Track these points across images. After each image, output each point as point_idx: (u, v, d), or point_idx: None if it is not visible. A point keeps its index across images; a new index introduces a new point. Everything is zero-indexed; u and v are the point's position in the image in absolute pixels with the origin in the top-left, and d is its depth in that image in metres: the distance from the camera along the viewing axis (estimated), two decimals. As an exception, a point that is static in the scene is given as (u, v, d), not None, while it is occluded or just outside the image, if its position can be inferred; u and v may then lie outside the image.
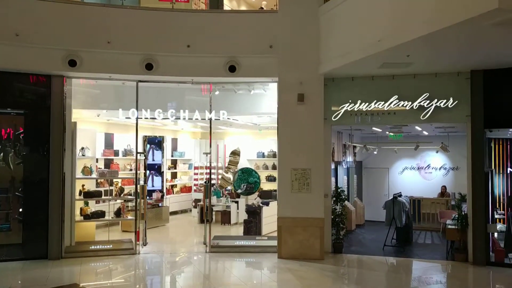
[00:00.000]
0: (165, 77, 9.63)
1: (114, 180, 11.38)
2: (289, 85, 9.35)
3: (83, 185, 10.55)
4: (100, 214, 10.09)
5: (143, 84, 9.78)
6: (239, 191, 11.28)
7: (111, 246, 9.66)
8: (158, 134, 15.06)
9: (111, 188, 11.23)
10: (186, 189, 16.41)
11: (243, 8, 15.59)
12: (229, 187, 12.54)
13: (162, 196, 14.02)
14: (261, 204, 11.07)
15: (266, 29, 9.50)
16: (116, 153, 13.53)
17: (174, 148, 16.24)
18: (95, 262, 9.08)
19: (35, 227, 9.34)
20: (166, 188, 15.09)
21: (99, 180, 11.64)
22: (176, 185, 16.12)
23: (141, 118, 9.83)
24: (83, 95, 10.05)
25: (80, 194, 10.18)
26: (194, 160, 16.75)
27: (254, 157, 15.89)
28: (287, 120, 9.44)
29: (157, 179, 14.67)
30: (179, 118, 10.38)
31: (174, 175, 16.16)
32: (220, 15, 10.21)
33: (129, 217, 10.44)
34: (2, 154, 10.05)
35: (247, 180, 10.82)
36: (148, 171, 13.49)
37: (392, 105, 9.29)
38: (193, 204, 15.40)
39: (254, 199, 11.72)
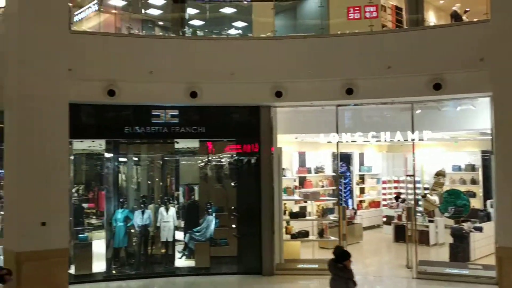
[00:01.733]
0: (364, 100, 9.66)
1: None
2: (507, 99, 8.39)
3: (284, 204, 11.26)
4: (304, 234, 10.63)
5: (342, 107, 9.98)
6: (446, 214, 10.59)
7: (317, 265, 10.04)
8: (346, 150, 15.17)
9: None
10: (374, 204, 16.16)
11: (430, 13, 14.67)
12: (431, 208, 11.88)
13: (355, 213, 14.05)
14: (473, 230, 10.18)
15: (476, 41, 8.74)
16: (308, 171, 14.09)
17: (361, 163, 16.16)
18: (305, 280, 9.54)
19: (249, 244, 10.32)
20: (356, 204, 15.11)
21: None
22: (364, 200, 16.01)
23: (341, 142, 10.01)
24: (286, 122, 10.72)
25: (284, 214, 10.88)
26: (382, 174, 16.41)
27: (449, 171, 14.76)
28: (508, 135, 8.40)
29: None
30: (380, 140, 10.26)
31: (362, 190, 16.08)
32: (422, 32, 9.77)
33: (332, 238, 10.73)
34: (219, 178, 11.43)
35: (454, 202, 10.09)
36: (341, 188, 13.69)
37: None
38: (384, 220, 15.06)
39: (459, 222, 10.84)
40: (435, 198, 11.05)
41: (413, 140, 9.63)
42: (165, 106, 10.01)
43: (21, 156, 8.39)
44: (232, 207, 10.84)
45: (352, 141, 10.05)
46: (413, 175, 10.09)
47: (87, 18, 13.51)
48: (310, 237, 10.89)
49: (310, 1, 15.07)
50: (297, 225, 11.43)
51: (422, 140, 9.71)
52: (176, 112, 10.06)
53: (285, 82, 9.69)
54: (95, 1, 13.32)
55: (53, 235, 8.58)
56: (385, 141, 10.08)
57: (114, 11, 12.91)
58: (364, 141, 10.02)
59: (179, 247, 11.06)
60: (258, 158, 10.23)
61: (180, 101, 9.71)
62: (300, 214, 10.92)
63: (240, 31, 13.76)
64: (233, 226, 10.79)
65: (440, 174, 11.07)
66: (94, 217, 13.25)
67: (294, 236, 10.55)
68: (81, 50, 9.08)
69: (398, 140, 9.90)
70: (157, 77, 9.39)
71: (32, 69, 8.45)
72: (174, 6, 10.45)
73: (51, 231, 8.55)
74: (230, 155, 10.97)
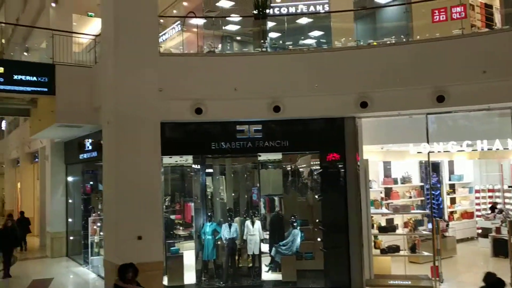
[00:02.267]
0: (457, 107, 9.10)
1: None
2: None
3: (371, 217, 10.88)
4: (395, 249, 10.18)
5: (432, 115, 9.49)
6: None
7: (409, 282, 9.59)
8: (434, 158, 14.38)
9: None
10: (467, 215, 15.10)
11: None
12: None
13: (447, 225, 13.23)
14: None
15: None
16: (395, 181, 13.54)
17: (451, 171, 15.22)
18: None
19: (336, 258, 10.10)
20: (448, 215, 14.24)
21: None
22: (455, 211, 15.03)
23: (433, 151, 9.51)
24: (371, 132, 10.40)
25: (372, 227, 10.51)
26: (474, 183, 15.33)
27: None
28: None
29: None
30: (476, 150, 9.59)
31: (453, 201, 15.12)
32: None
33: (425, 253, 10.18)
34: (302, 190, 11.35)
35: None
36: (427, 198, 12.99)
37: None
38: (479, 232, 14.03)
39: None
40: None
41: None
42: (249, 121, 10.16)
43: (119, 173, 8.97)
44: (317, 220, 10.70)
45: (444, 151, 9.47)
46: (515, 186, 9.28)
47: (171, 38, 14.20)
48: (402, 252, 10.40)
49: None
50: (385, 239, 11.01)
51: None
52: (259, 127, 10.17)
53: (370, 92, 9.41)
54: (178, 22, 13.96)
55: (148, 248, 9.05)
56: (482, 150, 9.37)
57: (195, 29, 13.47)
58: (458, 150, 9.39)
59: (265, 260, 11.11)
60: (343, 170, 10.02)
61: (263, 116, 9.81)
62: (390, 228, 10.48)
63: (318, 40, 13.67)
64: (319, 239, 10.64)
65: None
66: (181, 228, 13.79)
67: (384, 251, 10.15)
68: (169, 71, 9.55)
69: (497, 149, 9.16)
70: (241, 94, 9.59)
71: (126, 91, 9.04)
72: (254, 22, 10.60)
73: (146, 244, 9.03)
74: (313, 168, 10.86)
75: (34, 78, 9.92)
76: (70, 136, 13.66)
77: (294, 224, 10.63)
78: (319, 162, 10.60)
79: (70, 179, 15.15)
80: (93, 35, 12.13)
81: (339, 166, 10.07)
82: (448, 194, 14.85)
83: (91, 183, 14.69)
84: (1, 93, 9.76)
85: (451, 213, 14.86)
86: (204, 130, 10.21)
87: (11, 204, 25.05)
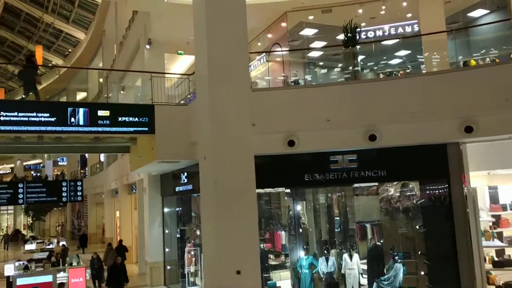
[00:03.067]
0: None
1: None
2: None
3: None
4: (513, 286, 9.20)
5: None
6: None
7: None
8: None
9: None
10: None
11: None
12: None
13: None
14: None
15: None
16: (503, 208, 12.35)
17: None
18: None
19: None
20: None
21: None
22: None
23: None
24: (477, 157, 9.65)
25: (485, 261, 9.62)
26: None
27: None
28: None
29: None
30: None
31: None
32: None
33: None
34: (402, 221, 10.75)
35: None
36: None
37: None
38: None
39: None
40: None
41: None
42: (343, 151, 9.91)
43: (217, 208, 9.13)
44: (419, 252, 10.05)
45: None
46: None
47: (256, 70, 14.52)
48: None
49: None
50: (499, 274, 10.01)
51: None
52: (354, 156, 9.88)
53: (475, 115, 8.76)
54: (263, 55, 14.25)
55: (247, 283, 9.05)
56: None
57: (279, 59, 13.64)
58: None
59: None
60: (448, 199, 9.35)
61: (358, 145, 9.52)
62: (507, 263, 9.51)
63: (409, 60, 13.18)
64: (422, 273, 9.97)
65: None
66: (272, 256, 13.68)
67: (500, 289, 9.21)
68: (261, 106, 9.66)
69: None
70: (334, 124, 9.42)
71: (221, 126, 9.28)
72: (344, 52, 10.43)
73: (245, 278, 9.04)
74: (413, 197, 10.27)
75: (136, 119, 10.56)
76: (167, 170, 14.31)
77: (396, 257, 10.05)
78: (420, 191, 10.02)
79: (166, 210, 15.81)
80: (187, 74, 12.73)
81: (443, 194, 9.44)
82: None
83: (187, 214, 15.20)
84: (108, 134, 10.52)
85: None
86: (296, 161, 10.10)
87: (110, 232, 26.80)
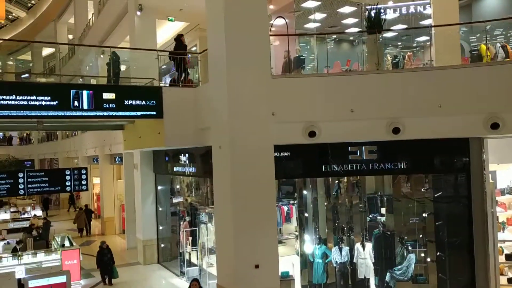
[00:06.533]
0: None
1: None
2: None
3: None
4: (524, 277, 9.50)
5: None
6: None
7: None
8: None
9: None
10: None
11: None
12: None
13: None
14: None
15: None
16: (502, 192, 12.62)
17: None
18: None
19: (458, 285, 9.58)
20: None
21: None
22: None
23: None
24: (498, 151, 9.63)
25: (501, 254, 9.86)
26: None
27: None
28: None
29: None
30: None
31: None
32: None
33: None
34: (419, 214, 10.68)
35: None
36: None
37: None
38: None
39: None
40: None
41: None
42: (362, 142, 9.63)
43: (234, 199, 8.79)
44: (428, 240, 10.14)
45: None
46: None
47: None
48: (531, 281, 9.70)
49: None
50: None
51: None
52: (374, 148, 9.63)
53: (502, 112, 8.61)
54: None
55: (265, 276, 8.89)
56: None
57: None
58: None
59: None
60: (468, 193, 9.37)
61: (381, 137, 9.22)
62: (518, 256, 9.79)
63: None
64: (429, 259, 10.15)
65: None
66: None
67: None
68: (281, 94, 9.14)
69: None
70: (357, 115, 9.06)
71: (240, 114, 8.77)
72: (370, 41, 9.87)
73: (263, 272, 8.87)
74: (432, 190, 10.18)
75: (143, 102, 9.79)
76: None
77: (409, 248, 10.10)
78: (438, 184, 9.97)
79: (160, 187, 15.25)
80: (197, 53, 11.86)
81: (463, 188, 9.44)
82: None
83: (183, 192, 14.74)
84: (114, 118, 9.74)
85: None
86: (315, 152, 9.75)
87: (87, 199, 25.99)
